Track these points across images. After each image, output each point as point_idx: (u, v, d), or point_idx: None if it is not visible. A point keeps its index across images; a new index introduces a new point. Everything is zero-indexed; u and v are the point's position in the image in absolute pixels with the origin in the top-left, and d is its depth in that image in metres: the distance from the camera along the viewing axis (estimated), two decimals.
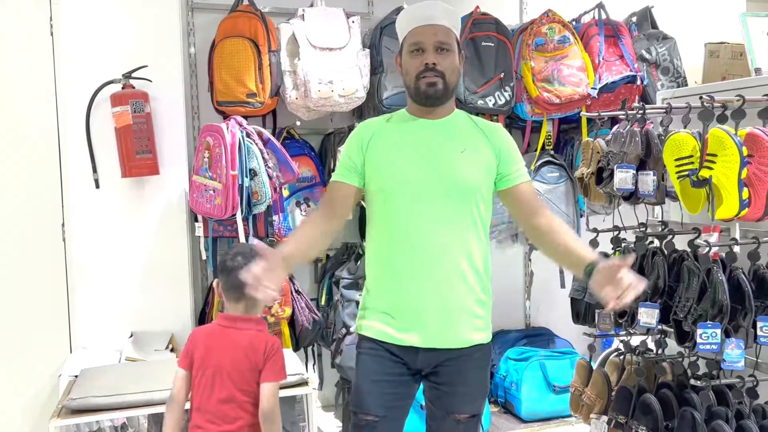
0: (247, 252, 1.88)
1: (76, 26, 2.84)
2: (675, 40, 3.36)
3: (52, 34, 2.87)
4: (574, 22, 3.41)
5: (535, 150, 3.28)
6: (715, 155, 1.62)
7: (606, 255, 2.08)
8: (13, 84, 2.83)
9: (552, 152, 3.29)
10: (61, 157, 2.90)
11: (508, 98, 3.10)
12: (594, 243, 2.03)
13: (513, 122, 3.37)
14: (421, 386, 1.84)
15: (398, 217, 1.74)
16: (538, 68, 3.12)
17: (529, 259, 3.62)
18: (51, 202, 2.91)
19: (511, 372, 3.22)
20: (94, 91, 2.84)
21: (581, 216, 3.31)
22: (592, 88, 3.15)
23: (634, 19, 3.47)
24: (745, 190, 1.61)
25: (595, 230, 2.06)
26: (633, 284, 1.44)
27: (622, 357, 2.09)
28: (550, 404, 3.13)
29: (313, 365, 3.19)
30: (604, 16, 3.32)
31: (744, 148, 1.61)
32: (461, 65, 1.80)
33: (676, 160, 1.68)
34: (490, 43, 3.09)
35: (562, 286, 3.20)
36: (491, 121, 3.18)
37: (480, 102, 3.05)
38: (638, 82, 3.21)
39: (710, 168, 1.61)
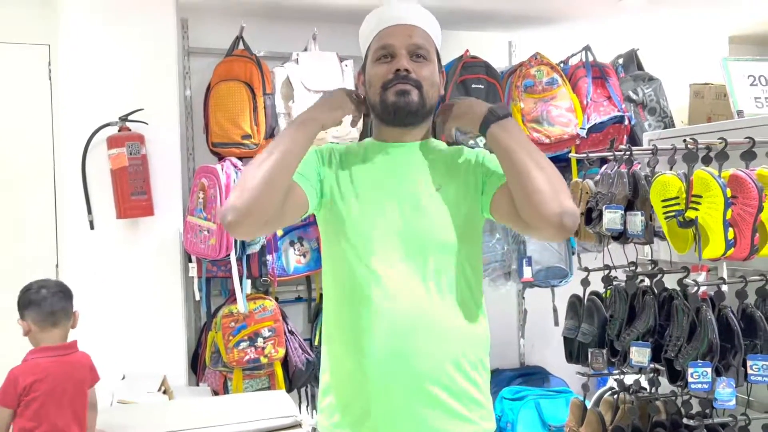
0: (50, 284, 2.16)
1: (74, 70, 2.89)
2: (660, 81, 3.44)
3: (50, 78, 2.93)
4: (562, 64, 3.49)
5: None
6: (700, 196, 1.66)
7: (598, 295, 2.11)
8: (11, 126, 2.89)
9: None
10: (56, 198, 2.94)
11: None
12: (585, 282, 2.06)
13: None
14: None
15: (359, 284, 1.33)
16: (527, 109, 3.19)
17: (523, 297, 3.64)
18: (46, 243, 2.94)
19: (507, 412, 3.21)
20: (90, 134, 2.87)
21: (573, 254, 3.35)
22: (580, 128, 3.22)
23: (620, 61, 3.56)
24: (731, 230, 1.65)
25: (586, 269, 2.10)
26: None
27: (615, 396, 2.10)
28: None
29: (307, 407, 3.18)
30: (591, 58, 3.41)
31: (728, 190, 1.66)
32: (442, 85, 1.46)
33: (663, 201, 1.72)
34: (480, 86, 3.16)
35: (556, 323, 3.21)
36: None
37: (471, 142, 3.11)
38: (626, 122, 3.28)
39: (696, 209, 1.66)
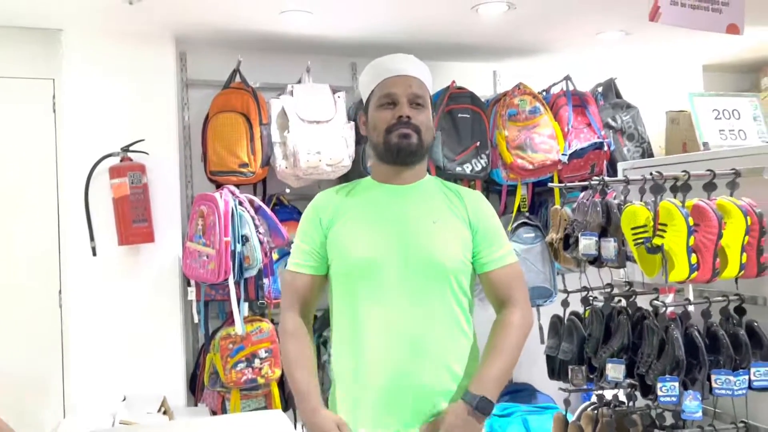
0: None
1: (77, 103, 3.04)
2: (638, 109, 3.64)
3: (54, 111, 3.08)
4: (544, 93, 3.69)
5: (512, 212, 3.50)
6: (665, 225, 1.84)
7: (577, 315, 2.26)
8: (17, 156, 3.02)
9: (527, 214, 3.52)
10: (59, 225, 3.07)
11: (485, 165, 3.34)
12: (565, 303, 2.23)
13: (490, 186, 3.61)
14: None
15: (362, 304, 1.54)
16: (511, 137, 3.37)
17: None
18: (49, 269, 3.06)
19: (495, 428, 3.36)
20: (93, 164, 3.02)
21: (557, 274, 3.51)
22: (562, 154, 3.40)
23: (599, 89, 3.76)
24: (694, 255, 1.82)
25: (566, 291, 2.26)
26: None
27: (595, 410, 2.25)
28: None
29: (303, 426, 3.30)
30: (571, 87, 3.61)
31: (690, 219, 1.83)
32: (435, 125, 1.73)
33: (632, 229, 1.90)
34: (466, 115, 3.34)
35: (542, 342, 3.36)
36: (469, 186, 3.44)
37: (458, 169, 3.28)
38: (605, 148, 3.47)
39: (662, 236, 1.83)
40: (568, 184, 2.22)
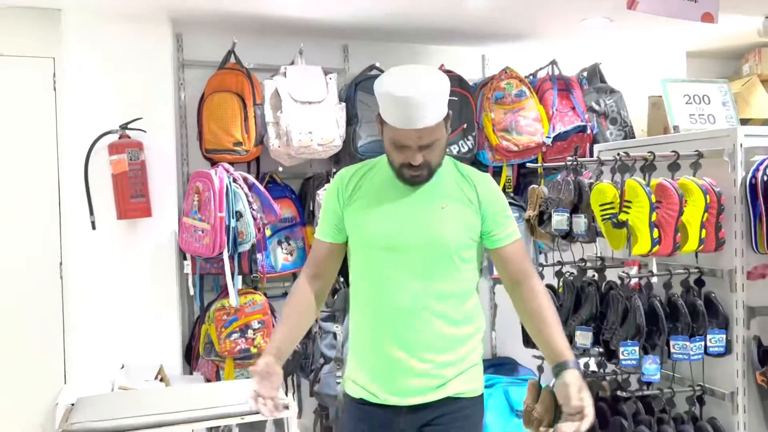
0: None
1: (77, 82, 3.17)
2: (621, 93, 3.79)
3: (55, 89, 3.21)
4: (531, 77, 3.83)
5: None
6: (630, 202, 2.00)
7: (552, 287, 2.42)
8: (18, 133, 3.15)
9: (512, 194, 3.67)
10: (60, 200, 3.21)
11: (471, 146, 3.49)
12: (540, 275, 2.39)
13: (476, 168, 3.75)
14: None
15: (377, 276, 1.72)
16: (497, 119, 3.52)
17: (494, 292, 3.97)
18: (50, 243, 3.21)
19: None
20: (93, 141, 3.15)
21: (540, 253, 3.68)
22: (546, 137, 3.55)
23: (584, 74, 3.90)
24: (656, 230, 1.98)
25: (540, 265, 2.42)
26: (584, 416, 1.54)
27: None
28: (513, 428, 3.44)
29: (293, 394, 3.48)
30: (557, 72, 3.75)
31: (653, 196, 1.99)
32: (448, 131, 1.72)
33: (601, 205, 2.05)
34: (453, 98, 3.46)
35: None
36: None
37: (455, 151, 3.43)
38: (588, 131, 3.63)
39: (627, 212, 1.99)
40: (546, 164, 2.37)
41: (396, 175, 1.70)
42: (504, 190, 3.66)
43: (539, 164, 2.57)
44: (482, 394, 1.82)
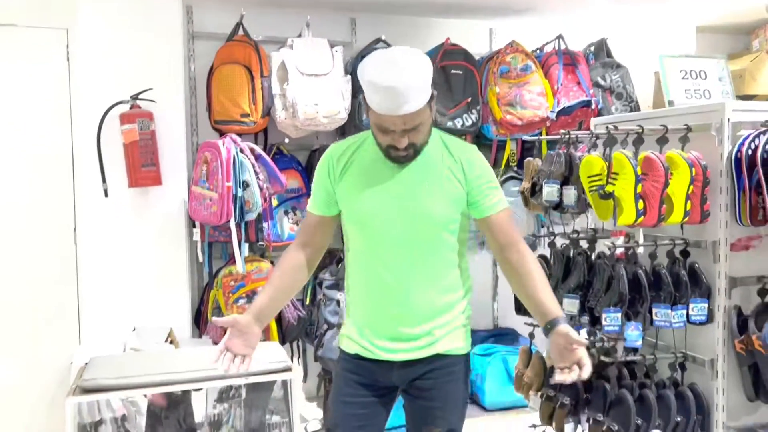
0: None
1: (89, 53, 3.29)
2: (627, 69, 3.83)
3: (68, 60, 3.32)
4: (537, 51, 3.88)
5: (500, 166, 3.74)
6: (617, 174, 2.07)
7: (545, 258, 2.51)
8: (33, 103, 3.28)
9: (516, 168, 3.75)
10: (74, 168, 3.35)
11: (475, 120, 3.56)
12: (532, 247, 2.48)
13: (480, 141, 3.83)
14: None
15: (369, 248, 1.84)
16: (502, 93, 3.58)
17: (495, 264, 4.07)
18: (64, 209, 3.35)
19: (477, 366, 3.66)
20: (104, 111, 3.27)
21: (542, 226, 3.75)
22: (550, 111, 3.62)
23: (591, 48, 3.94)
24: (641, 202, 2.06)
25: (534, 236, 2.51)
26: (582, 364, 1.63)
27: None
28: (511, 395, 3.54)
29: (298, 359, 3.62)
30: (563, 47, 3.79)
31: (639, 168, 2.06)
32: (434, 111, 1.78)
33: (589, 177, 2.13)
34: (458, 71, 3.55)
35: None
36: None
37: (449, 123, 3.51)
38: (592, 106, 3.68)
39: (613, 184, 2.07)
40: (543, 137, 2.44)
41: (383, 155, 1.79)
42: (507, 163, 3.75)
43: (536, 137, 2.63)
44: (468, 353, 1.94)
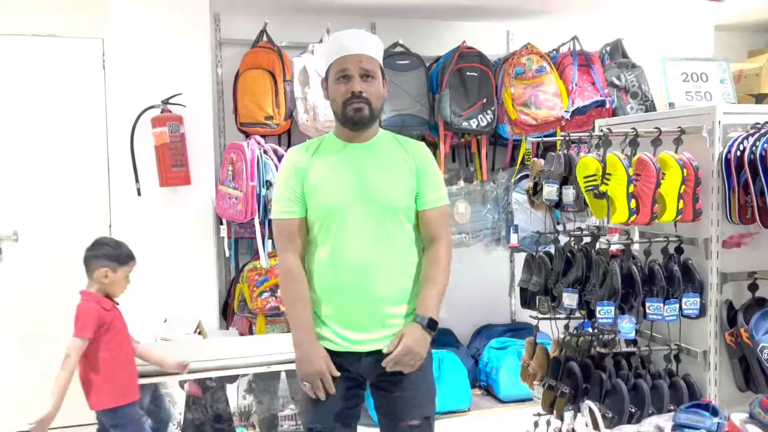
0: (109, 240, 2.85)
1: (123, 61, 3.52)
2: (642, 69, 3.92)
3: (104, 68, 3.58)
4: (553, 52, 4.00)
5: (516, 165, 3.87)
6: (610, 174, 2.20)
7: (548, 253, 2.65)
8: (70, 108, 3.54)
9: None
10: (109, 169, 3.60)
11: (490, 120, 3.70)
12: (537, 243, 2.63)
13: (497, 141, 3.97)
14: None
15: (335, 236, 1.94)
16: (517, 94, 3.72)
17: (511, 261, 4.20)
18: (100, 207, 3.61)
19: (492, 359, 3.81)
20: (137, 115, 3.50)
21: (558, 223, 3.87)
22: (565, 111, 3.74)
23: (607, 49, 4.04)
24: (633, 201, 2.18)
25: (537, 233, 2.65)
26: (391, 360, 1.89)
27: (563, 336, 2.65)
28: (525, 387, 3.69)
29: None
30: (578, 47, 3.90)
31: (631, 169, 2.19)
32: (385, 91, 2.00)
33: (585, 177, 2.26)
34: (474, 73, 3.70)
35: None
36: (476, 141, 3.80)
37: (465, 123, 3.66)
38: (607, 106, 3.79)
39: (607, 184, 2.20)
40: (546, 139, 2.59)
41: (342, 121, 1.95)
42: (523, 162, 3.87)
43: (538, 139, 2.80)
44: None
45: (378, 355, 1.95)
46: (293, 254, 1.99)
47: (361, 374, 2.00)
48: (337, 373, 1.94)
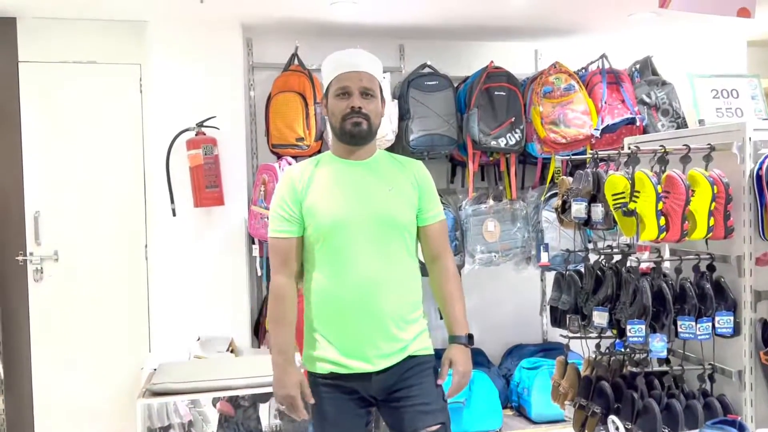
0: None
1: (159, 85, 3.64)
2: (673, 86, 3.90)
3: (141, 92, 3.69)
4: (582, 70, 4.00)
5: (546, 183, 3.87)
6: (639, 192, 2.20)
7: (578, 271, 2.64)
8: (110, 131, 3.67)
9: None
10: (146, 190, 3.70)
11: (518, 139, 3.71)
12: (567, 261, 2.63)
13: (527, 159, 3.98)
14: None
15: (337, 255, 1.90)
16: (545, 112, 3.73)
17: (542, 279, 4.18)
18: (137, 227, 3.71)
19: (524, 379, 3.78)
20: (173, 137, 3.60)
21: (590, 241, 3.85)
22: (594, 129, 3.73)
23: (636, 67, 4.03)
24: (662, 218, 2.18)
25: (567, 251, 2.65)
26: (454, 389, 1.94)
27: (594, 356, 2.64)
28: (557, 408, 3.65)
29: None
30: (607, 65, 3.90)
31: (660, 186, 2.19)
32: (383, 110, 2.00)
33: (613, 195, 2.27)
34: (502, 93, 3.72)
35: None
36: (505, 160, 3.81)
37: (493, 142, 3.68)
38: (637, 123, 3.77)
39: (635, 202, 2.20)
40: (565, 157, 2.59)
41: (341, 136, 1.95)
42: (552, 180, 3.87)
43: (566, 157, 2.81)
44: (434, 354, 2.05)
45: (389, 372, 1.94)
46: (285, 276, 1.97)
47: (371, 394, 1.96)
48: (312, 400, 1.93)
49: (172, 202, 3.62)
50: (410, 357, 1.96)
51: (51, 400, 3.63)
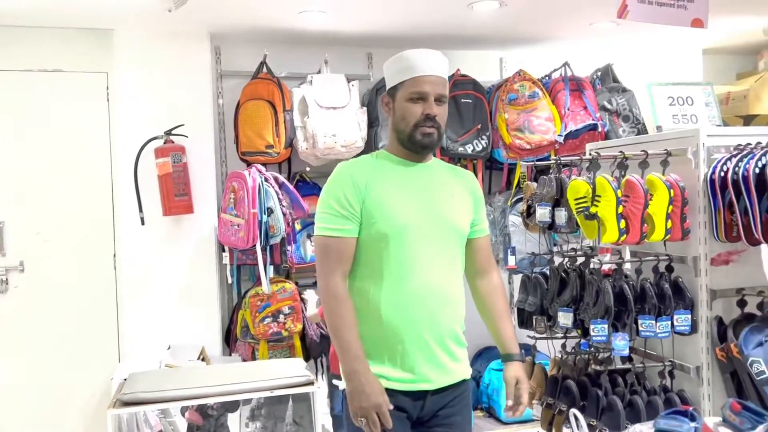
0: None
1: (127, 93, 3.64)
2: (633, 92, 4.04)
3: (108, 100, 3.69)
4: (546, 78, 4.11)
5: (512, 188, 3.97)
6: (600, 196, 2.29)
7: (543, 274, 2.73)
8: (76, 139, 3.64)
9: None
10: (113, 198, 3.70)
11: (485, 145, 3.80)
12: (532, 264, 2.71)
13: (493, 165, 4.07)
14: None
15: (400, 260, 1.78)
16: (511, 119, 3.83)
17: (510, 282, 4.28)
18: (104, 237, 3.70)
19: (494, 380, 3.86)
20: (140, 146, 3.60)
21: (555, 244, 3.94)
22: (558, 135, 3.84)
23: (598, 74, 4.16)
24: (623, 221, 2.27)
25: (532, 254, 2.73)
26: (522, 402, 1.88)
27: (560, 356, 2.72)
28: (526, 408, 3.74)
29: (322, 374, 3.87)
30: (569, 73, 4.02)
31: (619, 191, 2.29)
32: (447, 109, 1.88)
33: (575, 199, 2.36)
34: (468, 100, 3.81)
35: None
36: (471, 165, 3.89)
37: (460, 149, 3.76)
38: (599, 129, 3.89)
39: (596, 206, 2.29)
40: (538, 162, 2.67)
41: (407, 142, 1.82)
42: (518, 185, 3.97)
43: (530, 162, 2.88)
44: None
45: (444, 392, 1.86)
46: (341, 276, 1.81)
47: (420, 414, 1.85)
48: (391, 407, 1.77)
49: (141, 210, 3.62)
50: (462, 380, 1.90)
51: (18, 413, 3.59)
